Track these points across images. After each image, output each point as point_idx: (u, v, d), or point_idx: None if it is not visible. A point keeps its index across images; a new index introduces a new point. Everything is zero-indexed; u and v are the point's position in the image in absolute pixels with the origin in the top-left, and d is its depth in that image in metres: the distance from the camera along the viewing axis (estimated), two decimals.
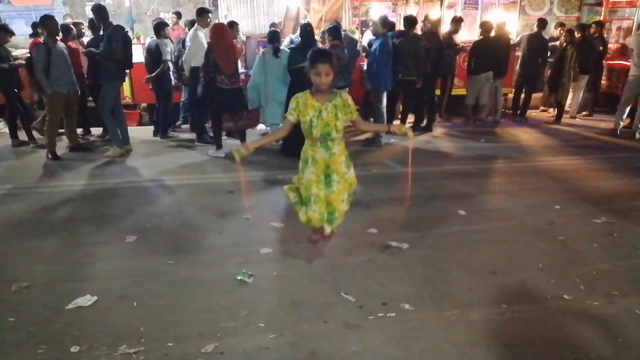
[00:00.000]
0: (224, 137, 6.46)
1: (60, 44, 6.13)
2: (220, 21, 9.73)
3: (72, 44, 6.86)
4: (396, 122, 2.97)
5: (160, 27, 6.97)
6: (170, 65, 7.05)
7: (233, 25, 7.22)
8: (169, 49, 6.93)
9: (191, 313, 2.77)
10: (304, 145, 3.04)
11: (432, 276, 3.18)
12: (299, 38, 7.51)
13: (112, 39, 5.95)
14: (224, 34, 5.91)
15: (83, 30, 7.78)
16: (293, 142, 6.02)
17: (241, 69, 7.52)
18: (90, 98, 7.38)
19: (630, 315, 2.73)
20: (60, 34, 6.53)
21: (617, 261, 3.37)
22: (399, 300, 2.88)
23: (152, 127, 7.61)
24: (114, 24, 6.19)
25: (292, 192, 3.20)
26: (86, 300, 2.90)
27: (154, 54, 6.93)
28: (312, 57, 2.78)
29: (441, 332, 2.58)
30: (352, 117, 2.95)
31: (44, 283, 3.12)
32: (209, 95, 5.89)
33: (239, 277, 3.13)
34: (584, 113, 9.33)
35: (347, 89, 7.01)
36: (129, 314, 2.78)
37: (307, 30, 6.26)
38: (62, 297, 2.94)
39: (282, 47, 6.82)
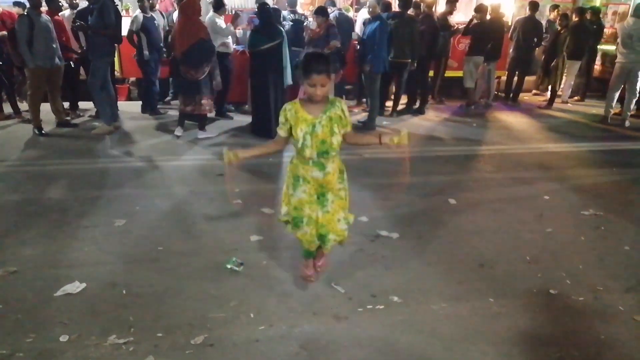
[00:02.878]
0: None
1: (45, 17, 5.94)
2: None
3: (58, 17, 6.67)
4: (386, 135, 2.54)
5: (142, 2, 6.78)
6: (143, 38, 6.84)
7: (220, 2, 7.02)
8: (136, 21, 6.72)
9: (181, 303, 2.77)
10: (294, 160, 2.60)
11: (421, 268, 3.21)
12: (290, 10, 7.39)
13: (104, 13, 5.77)
14: (184, 10, 5.65)
15: (76, 2, 7.53)
16: (263, 120, 6.01)
17: (233, 45, 7.38)
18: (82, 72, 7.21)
19: (614, 311, 2.78)
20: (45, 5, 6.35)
21: (604, 255, 3.42)
22: (388, 293, 2.90)
23: (140, 102, 7.49)
24: None
25: (287, 223, 2.78)
26: (75, 287, 2.89)
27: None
28: (306, 65, 2.33)
29: (429, 326, 2.61)
30: (346, 130, 2.52)
31: (32, 268, 3.10)
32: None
33: (228, 266, 3.13)
34: (575, 98, 9.36)
35: (342, 71, 6.95)
36: (118, 302, 2.77)
37: (265, 9, 6.07)
38: (51, 283, 2.92)
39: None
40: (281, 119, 2.48)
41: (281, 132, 2.52)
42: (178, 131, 6.12)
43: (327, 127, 2.42)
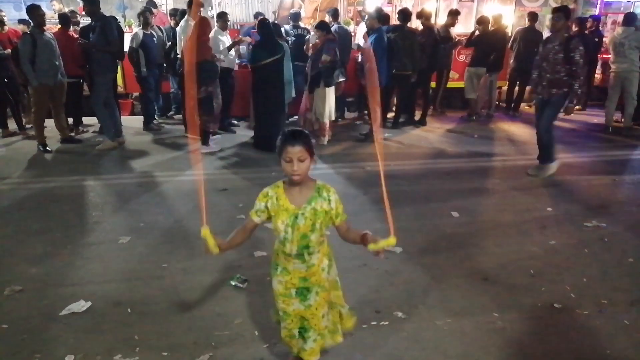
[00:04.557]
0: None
1: (48, 35, 6.02)
2: (213, 10, 9.61)
3: (71, 33, 6.74)
4: (372, 239, 2.01)
5: (147, 20, 6.87)
6: (141, 54, 6.92)
7: (222, 16, 7.11)
8: (136, 38, 6.82)
9: (185, 321, 2.78)
10: (275, 247, 2.17)
11: (425, 283, 3.21)
12: (292, 25, 7.46)
13: (106, 30, 5.86)
14: (195, 29, 5.74)
15: (78, 19, 7.63)
16: (265, 134, 6.05)
17: (236, 60, 7.45)
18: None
19: (618, 326, 2.77)
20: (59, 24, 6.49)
21: (607, 268, 3.42)
22: (392, 308, 2.90)
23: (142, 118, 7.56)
24: (105, 11, 6.12)
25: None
26: (80, 306, 2.90)
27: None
28: (281, 141, 1.96)
29: (433, 343, 2.61)
30: (337, 223, 2.09)
31: (37, 287, 3.12)
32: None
33: (232, 283, 3.14)
34: (577, 107, 9.36)
35: (343, 84, 7.00)
36: (123, 321, 2.78)
37: (265, 24, 6.15)
38: (56, 302, 2.94)
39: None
40: (260, 203, 2.05)
41: (255, 218, 2.08)
42: (212, 148, 6.22)
43: (310, 221, 2.01)
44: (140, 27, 6.99)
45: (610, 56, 7.44)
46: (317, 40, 6.64)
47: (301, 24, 7.58)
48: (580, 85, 5.04)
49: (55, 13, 9.06)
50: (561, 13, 5.05)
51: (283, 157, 1.95)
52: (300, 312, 2.16)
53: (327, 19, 7.40)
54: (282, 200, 2.03)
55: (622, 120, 7.63)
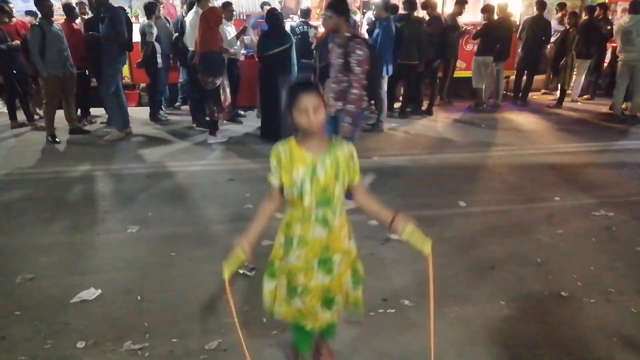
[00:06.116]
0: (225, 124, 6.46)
1: (56, 26, 6.04)
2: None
3: (75, 25, 6.77)
4: (401, 222, 1.90)
5: (150, 9, 6.85)
6: (157, 46, 6.93)
7: (227, 6, 7.07)
8: (154, 31, 6.80)
9: (194, 308, 2.81)
10: (286, 216, 1.95)
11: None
12: (301, 21, 7.39)
13: (114, 22, 5.87)
14: (206, 19, 5.78)
15: (86, 10, 7.64)
16: (272, 125, 6.06)
17: (242, 51, 7.45)
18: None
19: (626, 314, 2.77)
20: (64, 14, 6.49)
21: (615, 257, 3.41)
22: (399, 296, 2.92)
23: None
24: (113, 4, 6.12)
25: (270, 295, 2.07)
26: (90, 293, 2.94)
27: (143, 36, 6.84)
28: (290, 92, 1.79)
29: (440, 330, 2.61)
30: (353, 181, 1.91)
31: (48, 275, 3.16)
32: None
33: (240, 271, 3.16)
34: (585, 96, 9.30)
35: None
36: (133, 308, 2.82)
37: (274, 15, 6.13)
38: (67, 290, 2.98)
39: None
40: (273, 160, 1.85)
41: (274, 179, 1.88)
42: (219, 138, 6.24)
43: (332, 171, 1.81)
44: (147, 19, 6.97)
45: (618, 45, 7.33)
46: (321, 33, 6.60)
47: (311, 22, 7.46)
48: (355, 100, 3.79)
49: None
50: (332, 10, 3.82)
51: (297, 107, 1.76)
52: (324, 285, 1.95)
53: None
54: (297, 150, 1.82)
55: (629, 108, 7.58)
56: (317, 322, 2.01)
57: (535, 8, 8.44)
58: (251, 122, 7.28)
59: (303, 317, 2.00)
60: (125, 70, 7.94)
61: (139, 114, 7.57)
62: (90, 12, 7.30)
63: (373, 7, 7.01)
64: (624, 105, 7.69)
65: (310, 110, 1.74)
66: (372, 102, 7.87)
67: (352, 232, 2.03)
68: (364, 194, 1.97)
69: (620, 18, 9.88)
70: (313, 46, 6.75)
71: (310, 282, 1.93)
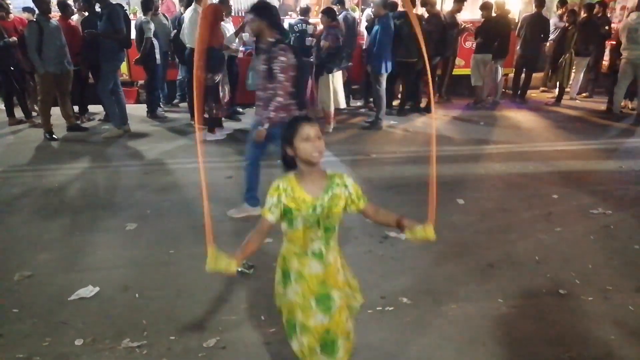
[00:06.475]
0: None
1: (54, 22, 6.02)
2: None
3: (71, 22, 6.74)
4: (409, 224, 1.97)
5: (147, 5, 6.82)
6: (155, 42, 6.91)
7: (224, 2, 7.03)
8: (151, 27, 6.78)
9: (193, 306, 2.81)
10: (284, 251, 1.96)
11: (430, 269, 3.23)
12: (299, 19, 7.36)
13: (113, 19, 5.86)
14: (206, 16, 5.76)
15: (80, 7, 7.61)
16: None
17: (241, 47, 7.43)
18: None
19: (623, 311, 2.78)
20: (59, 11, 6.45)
21: (613, 255, 3.41)
22: (397, 294, 2.92)
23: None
24: (111, 0, 6.09)
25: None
26: (88, 291, 2.94)
27: (139, 33, 6.82)
28: (291, 124, 1.82)
29: (438, 328, 2.63)
30: (359, 207, 1.91)
31: (47, 272, 3.16)
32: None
33: (239, 269, 3.15)
34: (584, 94, 9.30)
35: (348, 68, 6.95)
36: (131, 306, 2.82)
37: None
38: (65, 287, 2.98)
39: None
40: (272, 198, 1.83)
41: (269, 216, 1.83)
42: (216, 135, 6.22)
43: (328, 209, 1.83)
44: (143, 15, 6.94)
45: (623, 43, 7.28)
46: (319, 30, 6.60)
47: (310, 20, 7.43)
48: (278, 108, 3.50)
49: None
50: (254, 13, 3.63)
51: (300, 137, 1.76)
52: (323, 325, 1.88)
53: (335, 7, 7.30)
54: (298, 191, 1.81)
55: (632, 106, 7.59)
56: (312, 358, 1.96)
57: (534, 5, 8.43)
58: (249, 119, 7.26)
59: (302, 354, 1.97)
60: (124, 67, 7.94)
61: (137, 111, 7.55)
62: (77, 9, 7.30)
63: (372, 4, 6.99)
64: (622, 104, 7.69)
65: (313, 137, 1.76)
66: (370, 100, 7.90)
67: (344, 260, 2.02)
68: (376, 210, 1.98)
69: (620, 16, 9.91)
70: (311, 43, 6.74)
71: (309, 321, 1.89)
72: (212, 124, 6.20)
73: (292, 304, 1.93)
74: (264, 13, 3.59)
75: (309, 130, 1.76)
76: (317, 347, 1.93)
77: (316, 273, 1.88)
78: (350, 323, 2.00)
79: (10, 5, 6.97)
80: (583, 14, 8.47)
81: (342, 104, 6.76)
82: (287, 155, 1.84)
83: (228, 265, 1.78)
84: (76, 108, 7.03)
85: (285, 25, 7.27)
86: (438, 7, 8.31)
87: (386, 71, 6.59)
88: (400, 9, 7.33)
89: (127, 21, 6.21)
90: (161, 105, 7.68)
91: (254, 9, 3.66)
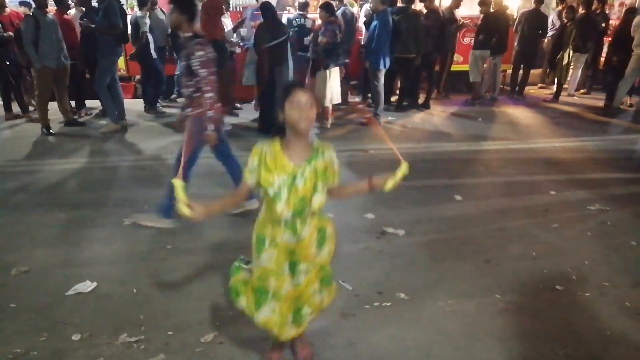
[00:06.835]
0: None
1: (50, 16, 5.98)
2: None
3: (67, 16, 6.70)
4: (378, 178, 1.99)
5: (143, 0, 6.79)
6: (150, 37, 6.88)
7: None
8: (147, 22, 6.74)
9: (190, 301, 2.81)
10: (261, 217, 1.98)
11: (427, 264, 3.23)
12: (298, 14, 7.34)
13: (109, 14, 5.83)
14: (206, 9, 5.78)
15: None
16: (269, 117, 6.01)
17: (239, 42, 7.40)
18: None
19: (619, 308, 2.79)
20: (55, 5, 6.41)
21: (610, 251, 3.43)
22: (394, 289, 2.93)
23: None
24: None
25: (242, 295, 2.12)
26: (86, 286, 2.93)
27: (134, 27, 6.78)
28: (285, 87, 1.86)
29: (435, 324, 2.64)
30: (332, 184, 1.92)
31: (44, 267, 3.15)
32: None
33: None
34: (582, 91, 9.31)
35: (346, 64, 6.93)
36: (129, 301, 2.82)
37: (268, 7, 6.04)
38: (62, 282, 2.97)
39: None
40: (253, 160, 1.84)
41: (250, 177, 1.86)
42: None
43: (311, 182, 1.83)
44: (139, 10, 6.89)
45: (635, 39, 7.21)
46: (318, 25, 6.58)
47: (308, 15, 7.40)
48: (213, 105, 3.41)
49: None
50: (173, 5, 3.44)
51: (290, 101, 1.77)
52: (291, 292, 1.97)
53: (334, 1, 7.28)
54: (280, 158, 1.82)
55: (631, 102, 7.60)
56: (285, 334, 2.05)
57: (532, 1, 8.42)
58: (247, 114, 7.25)
59: (275, 326, 2.02)
60: (121, 62, 7.90)
61: (134, 105, 7.52)
62: (74, 3, 7.26)
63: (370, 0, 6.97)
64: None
65: (303, 104, 1.76)
66: (369, 96, 7.89)
67: (326, 229, 2.00)
68: (340, 187, 1.99)
69: (618, 12, 9.88)
70: (311, 38, 6.72)
71: (281, 288, 1.96)
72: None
73: (266, 271, 1.96)
74: (185, 6, 3.42)
75: (300, 97, 1.77)
76: (289, 316, 2.02)
77: (287, 242, 1.90)
78: (323, 296, 2.09)
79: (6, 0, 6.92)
80: (581, 11, 8.45)
81: (337, 99, 6.75)
82: (280, 121, 1.85)
83: (191, 211, 1.76)
84: (73, 103, 7.00)
85: (284, 19, 7.25)
86: (436, 2, 8.29)
87: (384, 67, 6.57)
88: (398, 4, 7.30)
89: (124, 16, 6.18)
90: (159, 100, 7.65)
91: (173, 1, 3.46)
